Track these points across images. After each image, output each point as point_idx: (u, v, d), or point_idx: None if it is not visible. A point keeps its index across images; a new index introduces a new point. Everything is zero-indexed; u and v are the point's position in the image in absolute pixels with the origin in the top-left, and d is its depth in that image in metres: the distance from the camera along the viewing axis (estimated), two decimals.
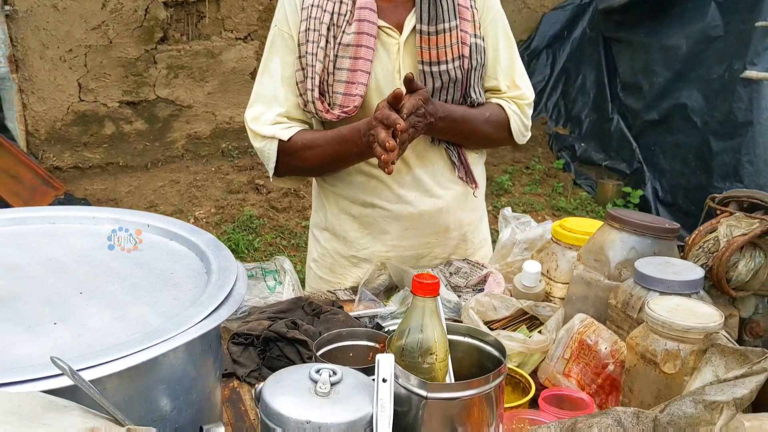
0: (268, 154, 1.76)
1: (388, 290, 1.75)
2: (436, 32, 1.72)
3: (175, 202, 4.84)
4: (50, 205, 4.39)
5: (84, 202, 4.55)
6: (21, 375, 0.82)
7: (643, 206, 5.60)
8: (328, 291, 1.83)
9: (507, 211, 1.86)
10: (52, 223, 1.37)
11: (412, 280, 1.12)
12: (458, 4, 1.75)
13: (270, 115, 1.77)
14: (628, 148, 5.90)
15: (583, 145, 6.34)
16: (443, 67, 1.74)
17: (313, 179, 1.97)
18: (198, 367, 1.07)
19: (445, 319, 1.54)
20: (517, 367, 1.36)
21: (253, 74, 5.20)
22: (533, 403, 1.28)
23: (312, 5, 1.72)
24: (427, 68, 1.73)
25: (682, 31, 5.44)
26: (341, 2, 1.71)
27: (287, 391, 1.05)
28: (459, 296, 1.63)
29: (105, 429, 0.73)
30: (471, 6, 1.79)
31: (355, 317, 1.57)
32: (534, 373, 1.38)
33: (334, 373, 1.07)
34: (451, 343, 1.19)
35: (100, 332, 1.01)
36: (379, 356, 1.06)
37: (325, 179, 1.89)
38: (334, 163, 1.77)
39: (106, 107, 4.98)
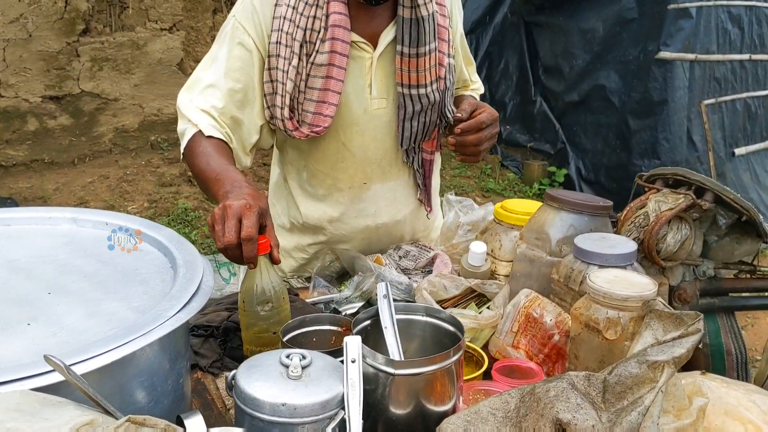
0: (183, 134, 1.66)
1: (340, 276, 1.81)
2: (417, 55, 1.68)
3: (106, 198, 4.74)
4: None
5: (10, 201, 4.42)
6: (12, 374, 0.84)
7: (568, 185, 5.81)
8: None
9: (451, 195, 1.95)
10: (8, 225, 1.36)
11: None
12: (438, 25, 1.72)
13: (203, 103, 1.65)
14: (552, 129, 6.10)
15: (508, 127, 6.52)
16: (422, 90, 1.72)
17: (282, 180, 1.91)
18: (172, 359, 1.10)
19: (399, 299, 1.62)
20: (470, 341, 1.44)
21: (180, 65, 5.14)
22: (486, 375, 1.36)
23: (283, 17, 1.65)
24: (406, 91, 1.72)
25: (599, 14, 5.64)
26: (315, 18, 1.63)
27: (261, 377, 1.10)
28: (409, 278, 1.71)
29: (102, 420, 0.77)
30: (448, 26, 1.78)
31: (312, 303, 1.62)
32: (485, 347, 1.47)
33: (304, 357, 1.13)
34: (409, 322, 1.26)
35: (76, 330, 1.04)
36: (346, 339, 1.12)
37: (294, 189, 1.88)
38: (200, 184, 1.60)
39: (29, 102, 4.82)
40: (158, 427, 0.76)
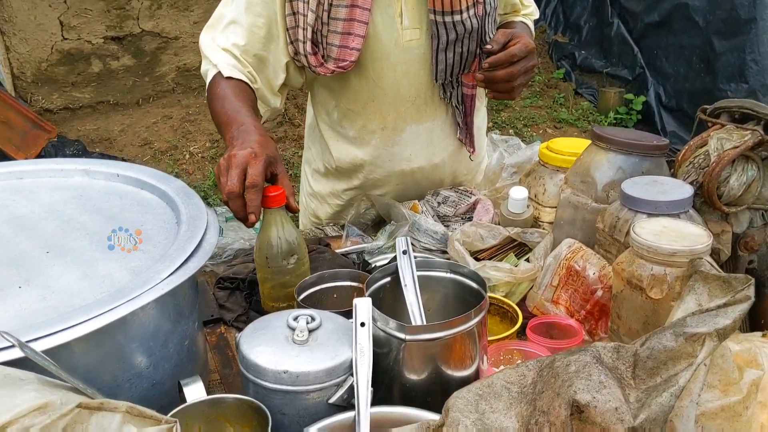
0: (205, 76, 1.59)
1: (376, 225, 1.72)
2: None
3: (169, 138, 4.76)
4: (44, 148, 4.34)
5: (77, 143, 4.49)
6: None
7: (647, 113, 5.49)
8: (316, 228, 1.80)
9: (495, 134, 1.80)
10: (20, 178, 1.33)
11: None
12: None
13: (225, 41, 1.57)
14: (630, 53, 5.73)
15: (583, 52, 6.17)
16: (457, 17, 1.56)
17: (315, 122, 1.82)
18: (173, 320, 1.05)
19: (433, 251, 1.52)
20: (505, 296, 1.33)
21: None
22: (523, 332, 1.26)
23: None
24: (439, 18, 1.56)
25: None
26: None
27: (264, 341, 1.03)
28: (447, 226, 1.60)
29: (61, 401, 0.71)
30: None
31: (343, 254, 1.54)
32: (523, 302, 1.36)
33: (313, 319, 1.05)
34: (431, 279, 1.16)
35: (67, 293, 0.99)
36: (356, 300, 1.03)
37: (326, 131, 1.77)
38: (217, 128, 1.54)
39: (91, 44, 4.84)
40: (119, 410, 0.69)
